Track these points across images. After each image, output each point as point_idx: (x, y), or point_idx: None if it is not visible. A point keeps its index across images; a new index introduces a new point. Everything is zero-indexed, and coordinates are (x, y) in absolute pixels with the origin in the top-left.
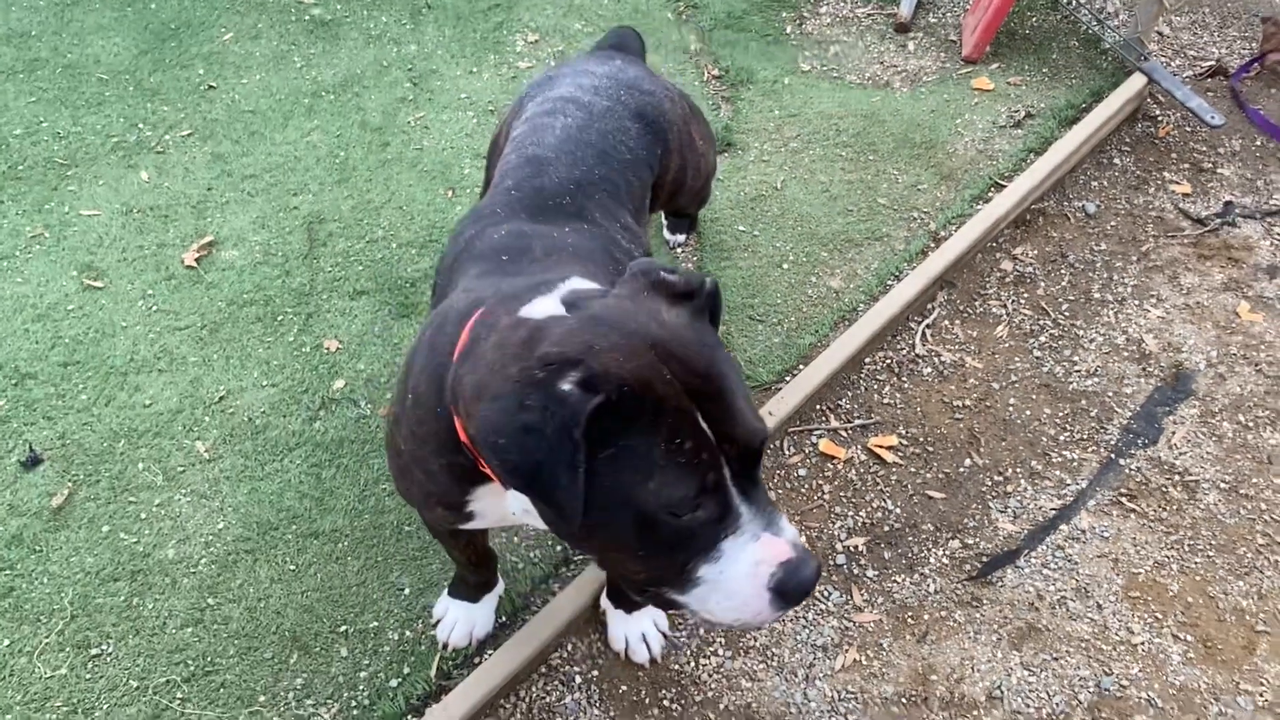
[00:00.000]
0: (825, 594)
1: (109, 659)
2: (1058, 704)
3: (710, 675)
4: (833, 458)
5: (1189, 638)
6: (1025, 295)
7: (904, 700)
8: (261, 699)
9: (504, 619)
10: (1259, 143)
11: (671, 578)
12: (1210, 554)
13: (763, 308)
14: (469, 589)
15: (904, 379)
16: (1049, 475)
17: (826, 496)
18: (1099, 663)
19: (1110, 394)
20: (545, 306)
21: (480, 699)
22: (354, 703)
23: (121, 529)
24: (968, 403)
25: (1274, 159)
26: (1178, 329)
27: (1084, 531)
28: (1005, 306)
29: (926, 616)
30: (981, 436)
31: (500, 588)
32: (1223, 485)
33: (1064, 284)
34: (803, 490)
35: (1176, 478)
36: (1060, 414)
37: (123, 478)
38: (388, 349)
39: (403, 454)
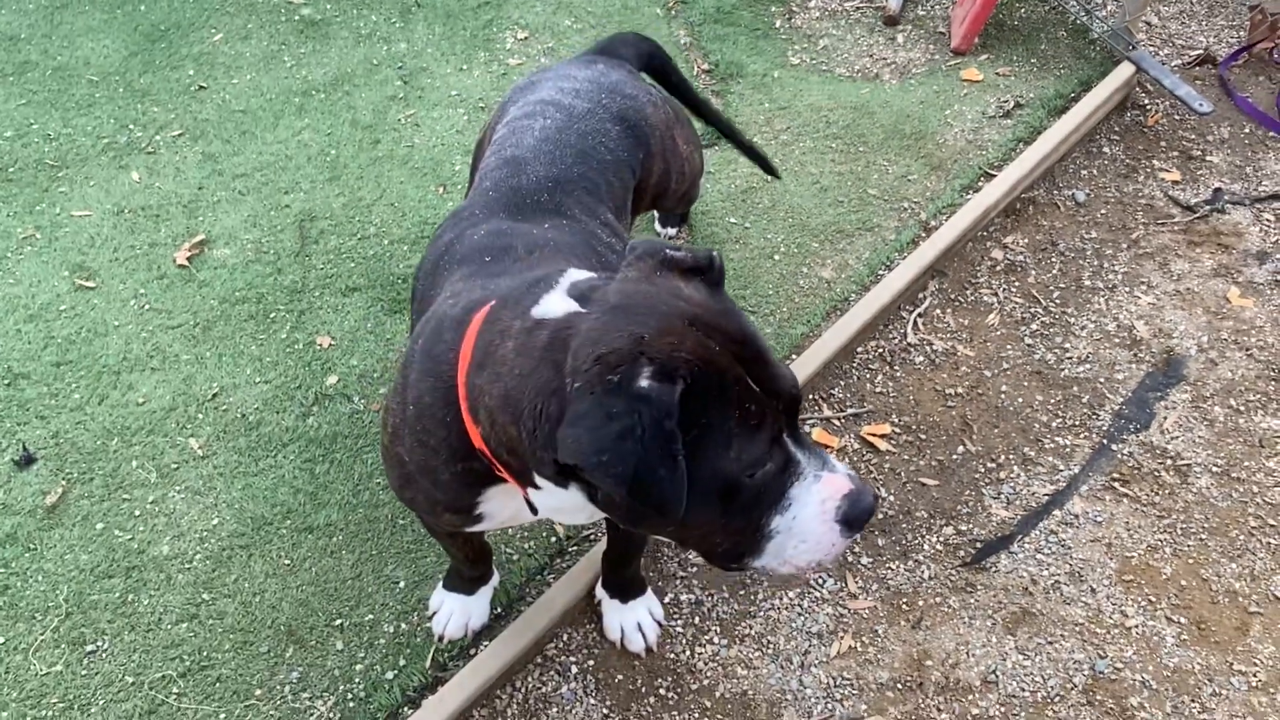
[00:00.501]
0: (820, 581)
1: (104, 655)
2: (1053, 687)
3: (706, 663)
4: (826, 447)
5: (1182, 620)
6: (1016, 283)
7: (899, 686)
8: (257, 693)
9: (499, 610)
10: (1247, 130)
11: (748, 537)
12: (1203, 537)
13: (754, 299)
14: (464, 581)
15: (896, 368)
16: (1042, 461)
17: None
18: (1093, 646)
19: (1102, 380)
20: (557, 303)
21: (476, 690)
22: (350, 695)
23: (116, 526)
24: (960, 390)
25: (1262, 146)
26: (1168, 315)
27: (1077, 516)
28: (996, 295)
29: (921, 603)
30: (974, 424)
31: (495, 579)
32: (1215, 469)
33: (1055, 272)
34: None
35: (1169, 462)
36: (1052, 400)
37: (116, 475)
38: (380, 345)
39: (407, 465)
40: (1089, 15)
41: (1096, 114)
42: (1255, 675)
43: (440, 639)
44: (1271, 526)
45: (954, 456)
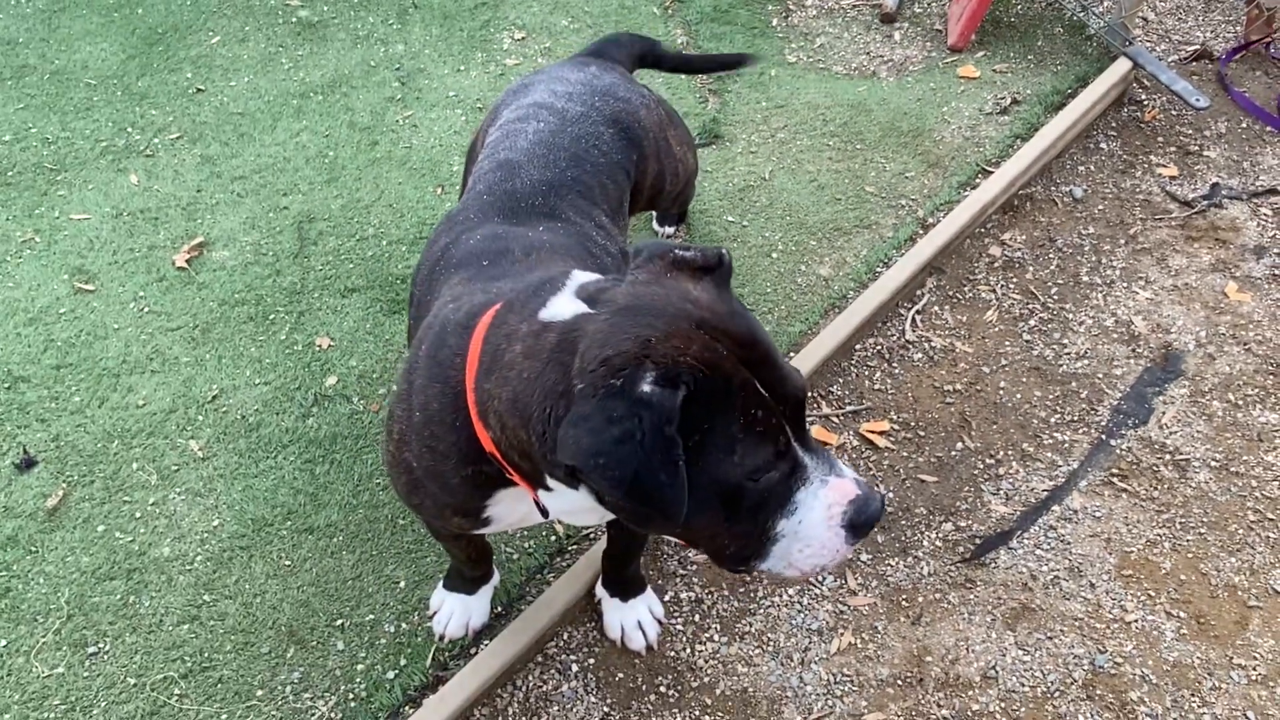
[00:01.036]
0: (820, 578)
1: (106, 657)
2: (1052, 682)
3: (706, 661)
4: (825, 444)
5: (1182, 614)
6: (1014, 280)
7: (899, 682)
8: (259, 693)
9: (500, 609)
10: (1244, 125)
11: (754, 541)
12: (1202, 531)
13: (753, 297)
14: (465, 581)
15: (895, 365)
16: (1040, 457)
17: None
18: (1093, 641)
19: (1100, 375)
20: (565, 305)
21: (477, 689)
22: (351, 695)
23: (117, 528)
24: (958, 387)
25: (1259, 140)
26: (1166, 310)
27: (1076, 512)
28: (994, 291)
29: (920, 599)
30: (973, 420)
31: (496, 579)
32: (1213, 463)
33: (1052, 268)
34: None
35: (1167, 457)
36: (1051, 396)
37: (117, 478)
38: (379, 345)
39: (414, 470)
40: (1086, 11)
41: (1094, 110)
42: (1255, 669)
43: (441, 638)
44: (1270, 520)
45: (953, 453)
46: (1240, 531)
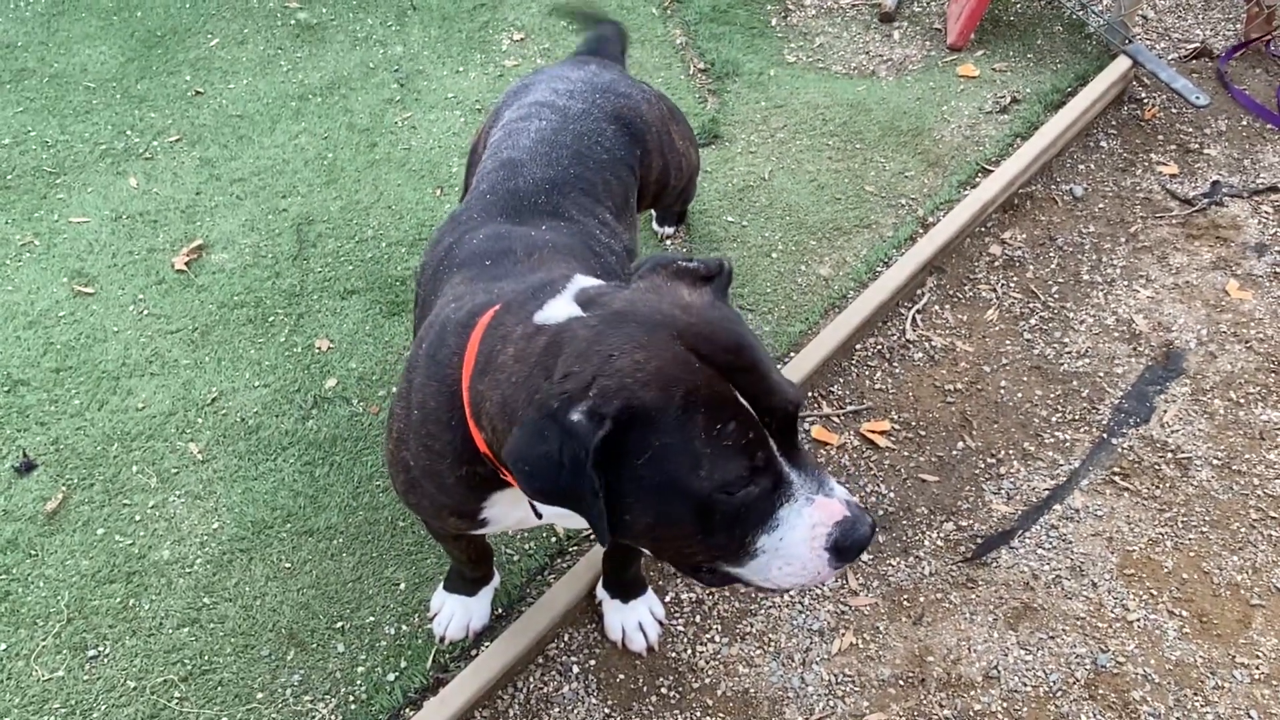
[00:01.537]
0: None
1: (106, 660)
2: (1054, 682)
3: (707, 662)
4: (826, 444)
5: (1184, 613)
6: (1014, 279)
7: (901, 682)
8: (259, 696)
9: (500, 611)
10: (1245, 122)
11: (730, 555)
12: (1204, 530)
13: (752, 297)
14: (465, 583)
15: (895, 364)
16: (1042, 456)
17: None
18: (1095, 640)
19: (1101, 374)
20: (561, 308)
21: (478, 690)
22: (352, 698)
23: (116, 531)
24: (959, 386)
25: (1260, 138)
26: (1167, 308)
27: (1077, 511)
28: (995, 290)
29: (922, 599)
30: (974, 419)
31: (496, 580)
32: (1215, 462)
33: (1053, 267)
34: None
35: (1169, 455)
36: (1052, 395)
37: (116, 481)
38: (379, 347)
39: (412, 469)
40: (1085, 9)
41: (1093, 108)
42: (1258, 667)
43: (441, 640)
44: (1273, 519)
45: (954, 452)
46: (1242, 530)
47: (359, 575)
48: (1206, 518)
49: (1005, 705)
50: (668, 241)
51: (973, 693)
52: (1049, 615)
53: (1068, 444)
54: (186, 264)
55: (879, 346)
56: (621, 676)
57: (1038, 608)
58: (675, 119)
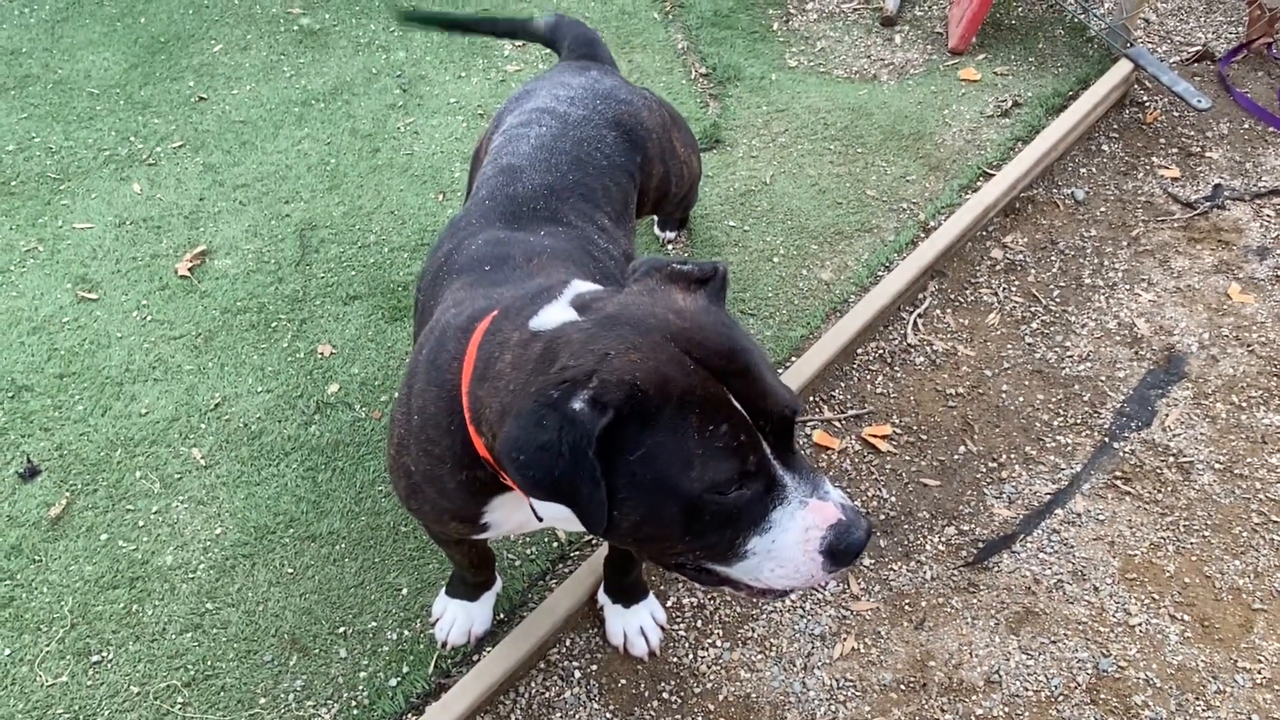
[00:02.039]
0: (822, 583)
1: (109, 665)
2: (1056, 686)
3: (709, 667)
4: (827, 448)
5: (1186, 617)
6: (1016, 283)
7: (903, 687)
8: (262, 701)
9: (502, 616)
10: (1246, 125)
11: (720, 554)
12: (1206, 534)
13: (754, 301)
14: (467, 588)
15: (897, 369)
16: (1043, 460)
17: None
18: (1097, 644)
19: (1103, 378)
20: (556, 314)
21: (480, 696)
22: (354, 703)
23: (120, 537)
24: (961, 390)
25: (1261, 141)
26: (1169, 312)
27: (1079, 515)
28: (996, 294)
29: (924, 603)
30: (975, 423)
31: (498, 585)
32: (1217, 465)
33: (1054, 270)
34: None
35: (1171, 459)
36: (1053, 399)
37: (120, 486)
38: (381, 353)
39: (413, 474)
40: (1086, 13)
41: (1095, 112)
42: (1260, 672)
43: (443, 645)
44: (1275, 523)
45: (955, 456)
46: (1244, 534)
47: (361, 580)
48: (1208, 522)
49: (1007, 710)
50: (669, 246)
51: (974, 697)
52: (1051, 619)
53: (1069, 448)
54: (190, 270)
55: (880, 351)
56: (623, 681)
57: (1039, 612)
58: (677, 125)
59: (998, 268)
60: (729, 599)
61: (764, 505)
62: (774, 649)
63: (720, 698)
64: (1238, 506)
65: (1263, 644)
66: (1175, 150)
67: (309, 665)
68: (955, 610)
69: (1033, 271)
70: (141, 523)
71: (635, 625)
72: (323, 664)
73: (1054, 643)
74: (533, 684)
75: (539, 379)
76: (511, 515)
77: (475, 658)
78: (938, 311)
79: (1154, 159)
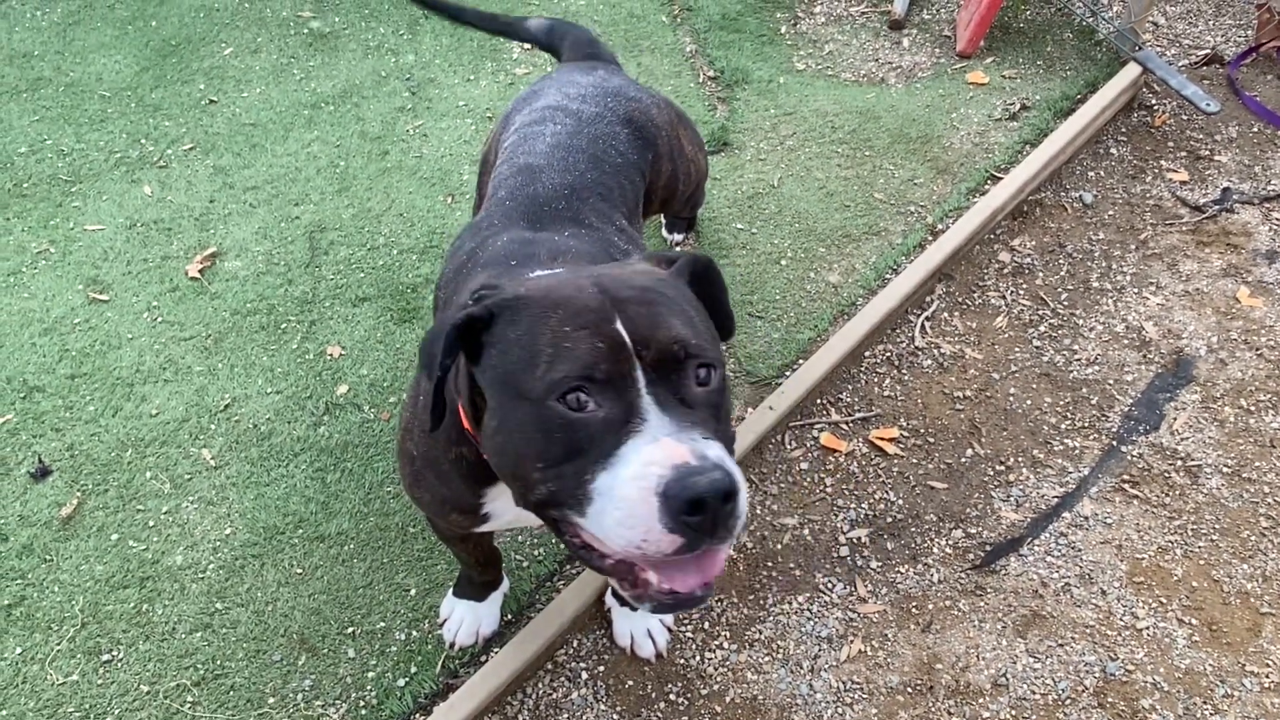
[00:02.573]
0: (829, 585)
1: (120, 664)
2: (1063, 689)
3: (716, 668)
4: (834, 451)
5: (1194, 621)
6: (1024, 286)
7: (909, 689)
8: (270, 701)
9: (509, 617)
10: (1256, 129)
11: (572, 490)
12: (1214, 538)
13: (762, 304)
14: (475, 588)
15: (904, 371)
16: (1051, 463)
17: (829, 489)
18: (1104, 648)
19: (1111, 381)
20: None
21: (487, 696)
22: (362, 703)
23: (130, 537)
24: (968, 393)
25: (1271, 144)
26: (1177, 315)
27: (1087, 518)
28: (1004, 297)
29: (931, 606)
30: (983, 426)
31: (505, 586)
32: (1225, 469)
33: (1062, 274)
34: (805, 484)
35: (1179, 463)
36: (1061, 402)
37: (130, 486)
38: (390, 354)
39: (415, 459)
40: (1095, 16)
41: (1103, 115)
42: (1268, 676)
43: (451, 646)
44: None
45: (963, 459)
46: (1253, 538)
47: (370, 581)
48: (1216, 526)
49: (1014, 713)
50: (677, 248)
51: (981, 700)
52: (1058, 623)
53: (1077, 451)
54: (200, 271)
55: (888, 353)
56: (630, 683)
57: (1047, 615)
58: (684, 124)
59: (1005, 271)
60: (735, 600)
61: (617, 437)
62: (781, 651)
63: (727, 699)
64: (1246, 510)
65: (1271, 648)
66: (1184, 154)
67: (317, 665)
68: (962, 613)
69: (1040, 274)
70: (152, 523)
71: (642, 627)
72: (331, 664)
73: (1061, 646)
74: (540, 685)
75: None
76: (510, 506)
77: (483, 658)
78: (945, 314)
79: (1162, 162)
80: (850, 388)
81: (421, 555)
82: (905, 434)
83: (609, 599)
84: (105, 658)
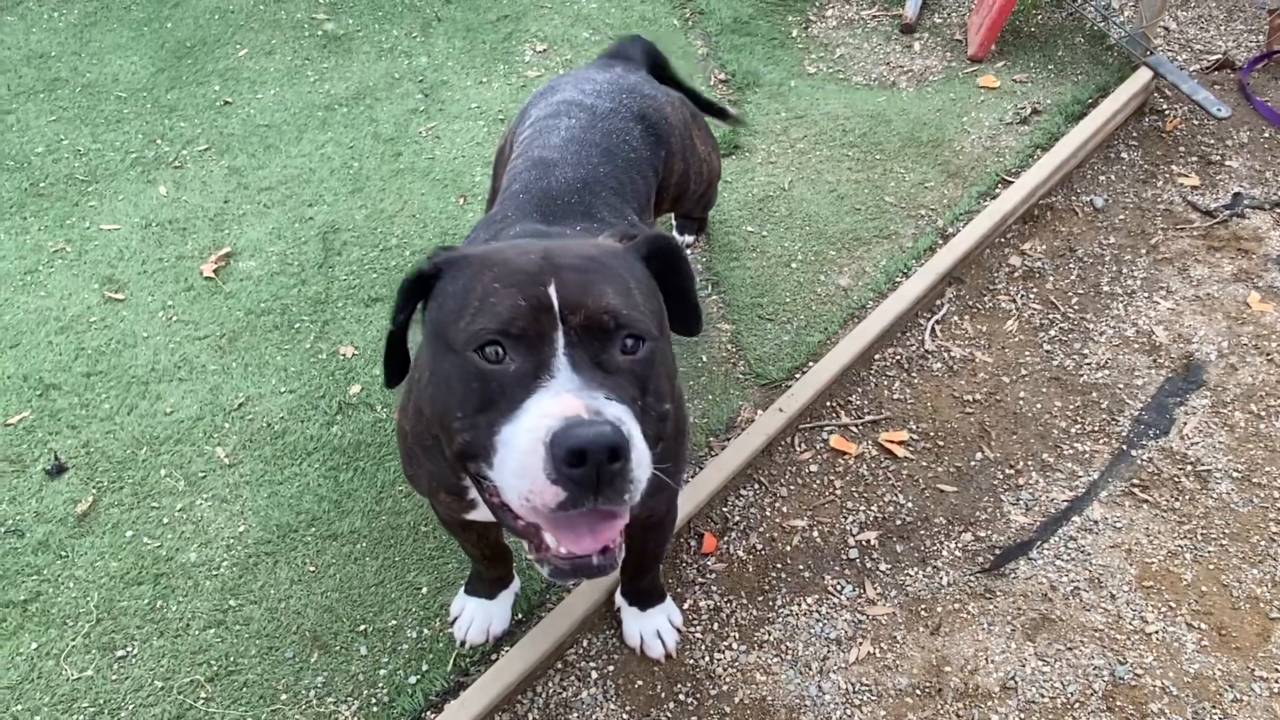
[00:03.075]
0: (838, 587)
1: (134, 660)
2: (1072, 693)
3: (725, 669)
4: (844, 453)
5: (1203, 626)
6: (1034, 290)
7: (918, 692)
8: (283, 697)
9: (520, 616)
10: (1267, 134)
11: (483, 441)
12: (1224, 543)
13: (772, 306)
14: (485, 586)
15: (914, 374)
16: (1060, 467)
17: (838, 492)
18: (1113, 652)
19: (1121, 386)
20: None
21: (497, 695)
22: (374, 700)
23: (145, 534)
24: (978, 397)
25: None
26: (1188, 320)
27: (1096, 522)
28: (1014, 301)
29: (940, 609)
30: (992, 430)
31: (516, 585)
32: (1235, 474)
33: (1073, 278)
34: (815, 486)
35: (1189, 468)
36: (1071, 406)
37: (145, 484)
38: None
39: (409, 437)
40: (1106, 21)
41: (1114, 120)
42: (1277, 681)
43: (462, 644)
44: None
45: (972, 463)
46: (1262, 543)
47: (382, 579)
48: (1226, 530)
49: (1022, 716)
50: (688, 251)
51: (990, 703)
52: (1067, 626)
53: (1087, 455)
54: (214, 271)
55: (898, 357)
56: (640, 683)
57: (1056, 619)
58: (698, 124)
59: (1016, 275)
60: (744, 601)
61: (526, 391)
62: (790, 652)
63: (736, 700)
64: (1256, 515)
65: None
66: (1195, 158)
67: (330, 662)
68: (971, 616)
69: (1051, 279)
70: (166, 520)
71: (652, 627)
72: (343, 661)
73: (1070, 650)
74: (550, 684)
75: None
76: None
77: (493, 657)
78: (955, 318)
79: (1173, 167)
80: (860, 390)
81: (433, 554)
82: (915, 437)
83: (619, 600)
84: (120, 653)
